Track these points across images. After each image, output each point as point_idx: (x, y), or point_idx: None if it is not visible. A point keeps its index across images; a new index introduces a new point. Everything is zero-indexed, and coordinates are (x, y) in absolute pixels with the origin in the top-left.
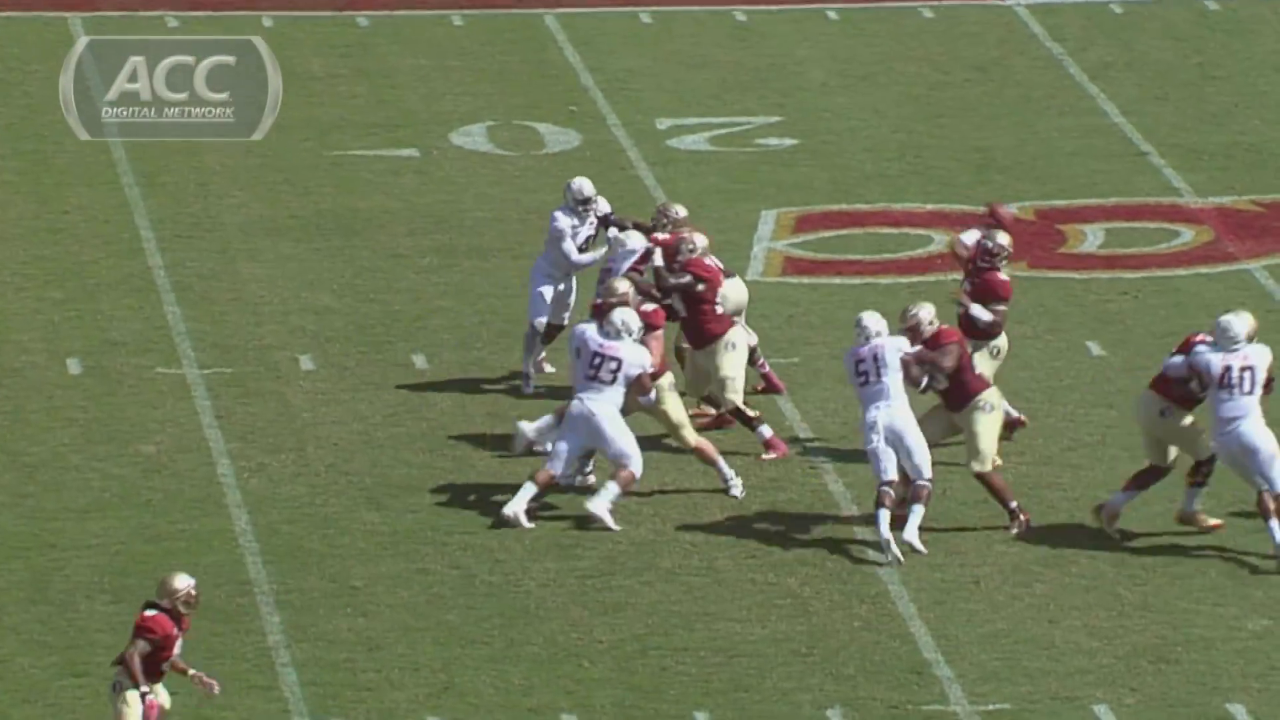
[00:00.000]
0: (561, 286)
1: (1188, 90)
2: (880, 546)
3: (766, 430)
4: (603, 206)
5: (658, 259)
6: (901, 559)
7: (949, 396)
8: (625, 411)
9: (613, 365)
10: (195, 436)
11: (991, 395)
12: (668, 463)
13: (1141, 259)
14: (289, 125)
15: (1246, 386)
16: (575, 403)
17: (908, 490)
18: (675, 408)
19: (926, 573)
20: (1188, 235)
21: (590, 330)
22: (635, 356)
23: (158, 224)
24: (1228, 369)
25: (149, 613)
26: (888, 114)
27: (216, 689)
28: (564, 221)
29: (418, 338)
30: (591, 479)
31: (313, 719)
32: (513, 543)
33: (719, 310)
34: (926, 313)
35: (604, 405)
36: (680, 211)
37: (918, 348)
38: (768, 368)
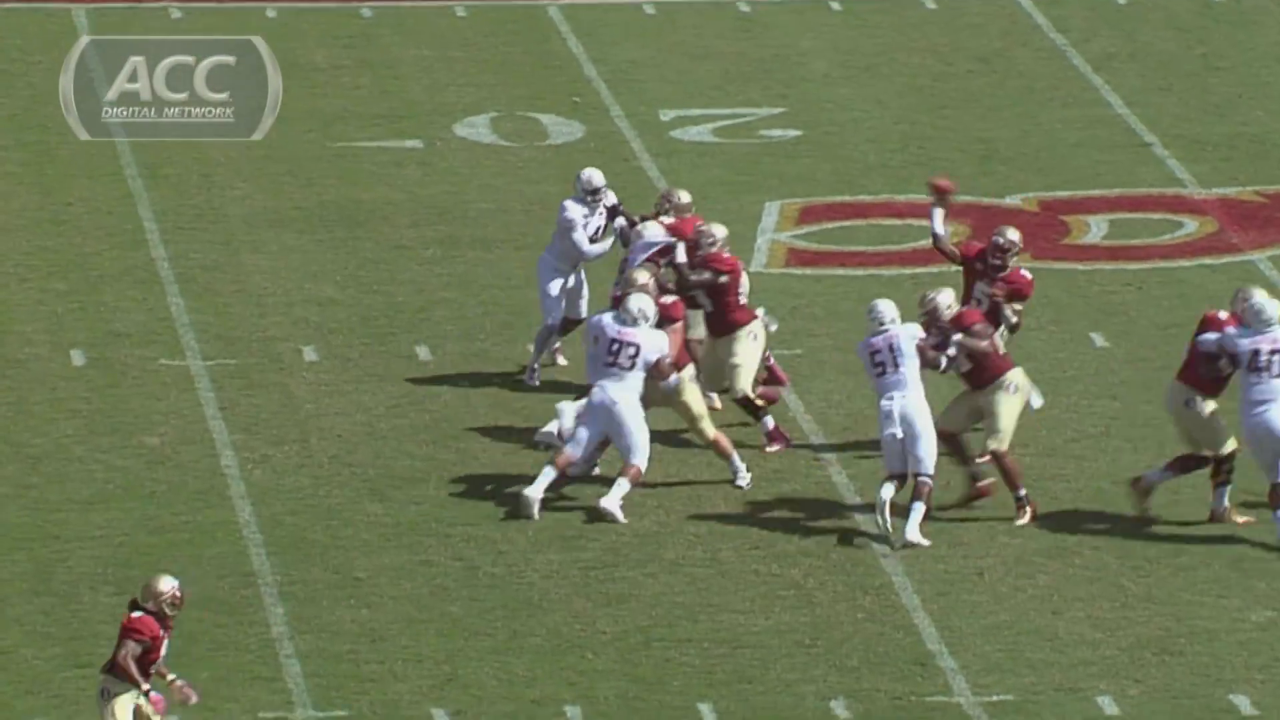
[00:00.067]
0: (571, 280)
1: (1191, 81)
2: (876, 510)
3: (770, 421)
4: (610, 198)
5: (680, 255)
6: (890, 530)
7: (973, 377)
8: (646, 404)
9: (631, 351)
10: (199, 428)
11: (1016, 375)
12: (671, 455)
13: (1145, 250)
14: (292, 117)
15: (1276, 369)
16: (596, 390)
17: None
18: (695, 400)
19: (930, 564)
20: (1191, 226)
21: (607, 318)
22: (653, 342)
23: (161, 216)
24: (1257, 351)
25: (135, 615)
26: (891, 105)
27: (194, 699)
28: (574, 211)
29: (421, 329)
30: (596, 470)
31: (316, 710)
32: (516, 534)
33: (743, 300)
34: (945, 297)
35: (625, 393)
36: (684, 197)
37: (958, 336)
38: (772, 359)
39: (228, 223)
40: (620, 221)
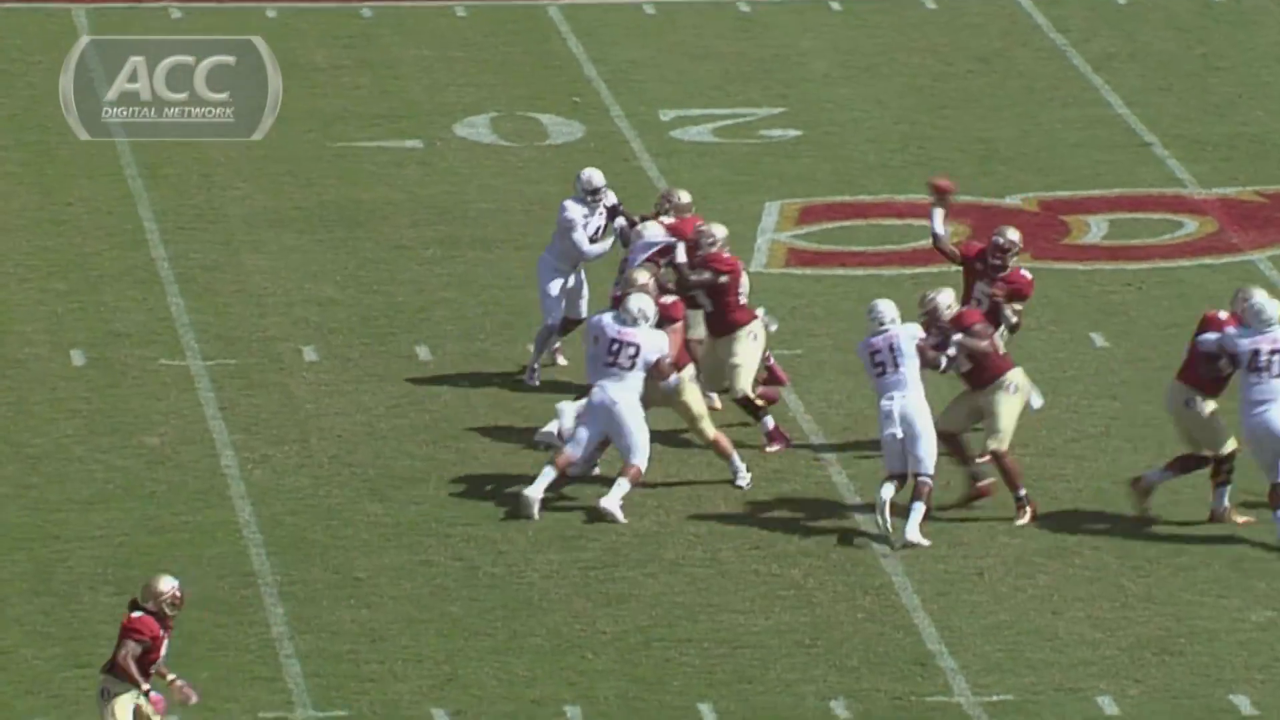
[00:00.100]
0: (571, 280)
1: (1191, 81)
2: (876, 510)
3: (770, 421)
4: (610, 198)
5: (680, 255)
6: (890, 530)
7: (973, 377)
8: (646, 404)
9: (630, 351)
10: (199, 428)
11: (1016, 375)
12: (671, 455)
13: (1145, 250)
14: (292, 117)
15: (1276, 369)
16: (596, 390)
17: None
18: (695, 400)
19: (930, 564)
20: (1191, 226)
21: (607, 318)
22: (653, 341)
23: (161, 216)
24: (1257, 351)
25: (135, 615)
26: (891, 105)
27: (194, 699)
28: (574, 211)
29: (421, 329)
30: (596, 470)
31: (316, 710)
32: (516, 534)
33: (743, 300)
34: (945, 297)
35: (625, 394)
36: (684, 197)
37: (958, 336)
38: (772, 359)
39: (228, 223)
40: (620, 221)
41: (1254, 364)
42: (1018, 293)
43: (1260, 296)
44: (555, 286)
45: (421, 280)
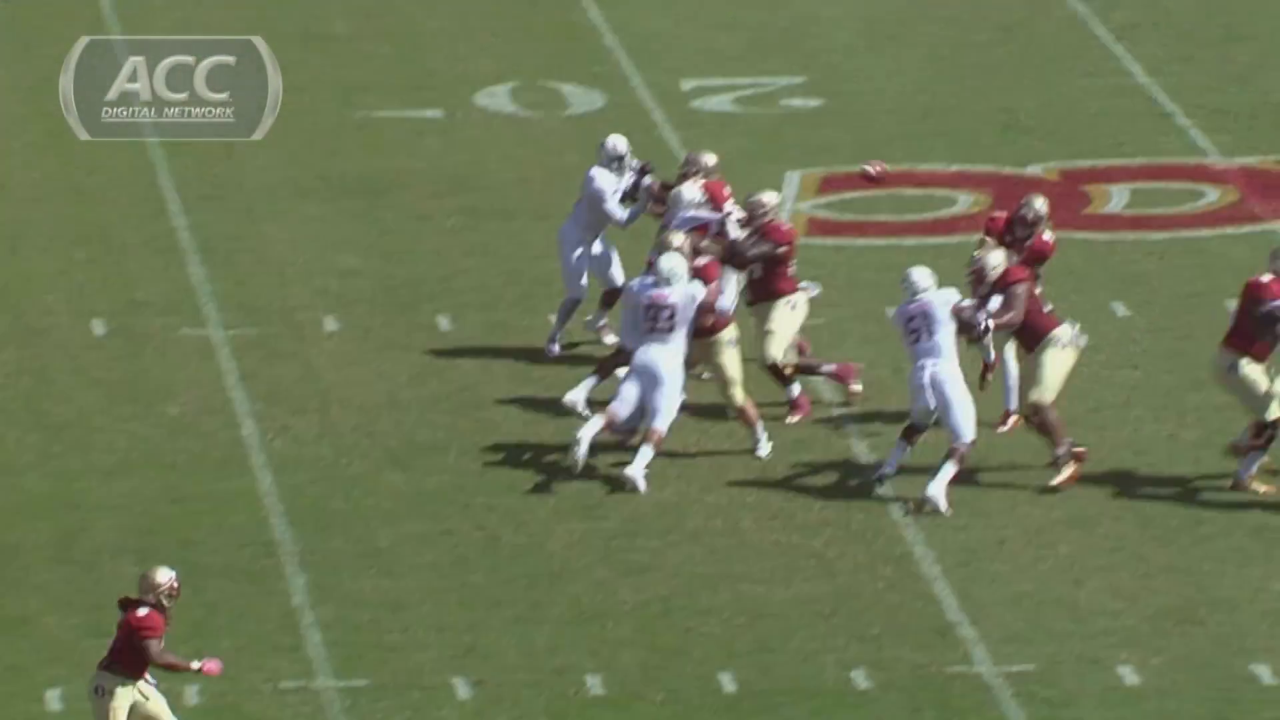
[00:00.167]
0: (597, 248)
1: (1213, 50)
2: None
3: (796, 389)
4: (635, 162)
5: (731, 229)
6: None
7: (1023, 338)
8: (689, 363)
9: (667, 313)
10: (220, 397)
11: (1063, 332)
12: (692, 425)
13: (1167, 219)
14: (313, 86)
15: None
16: (640, 352)
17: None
18: (733, 363)
19: (951, 534)
20: (1213, 196)
21: (641, 282)
22: (687, 295)
23: (182, 185)
24: None
25: (142, 612)
26: (912, 75)
27: (217, 670)
28: (604, 180)
29: (442, 299)
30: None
31: (337, 679)
32: (537, 504)
33: (791, 272)
34: (994, 257)
35: (668, 356)
36: (710, 159)
37: (994, 304)
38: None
39: (249, 192)
40: (649, 179)
41: None
42: (1041, 257)
43: None
44: (577, 257)
45: (442, 250)
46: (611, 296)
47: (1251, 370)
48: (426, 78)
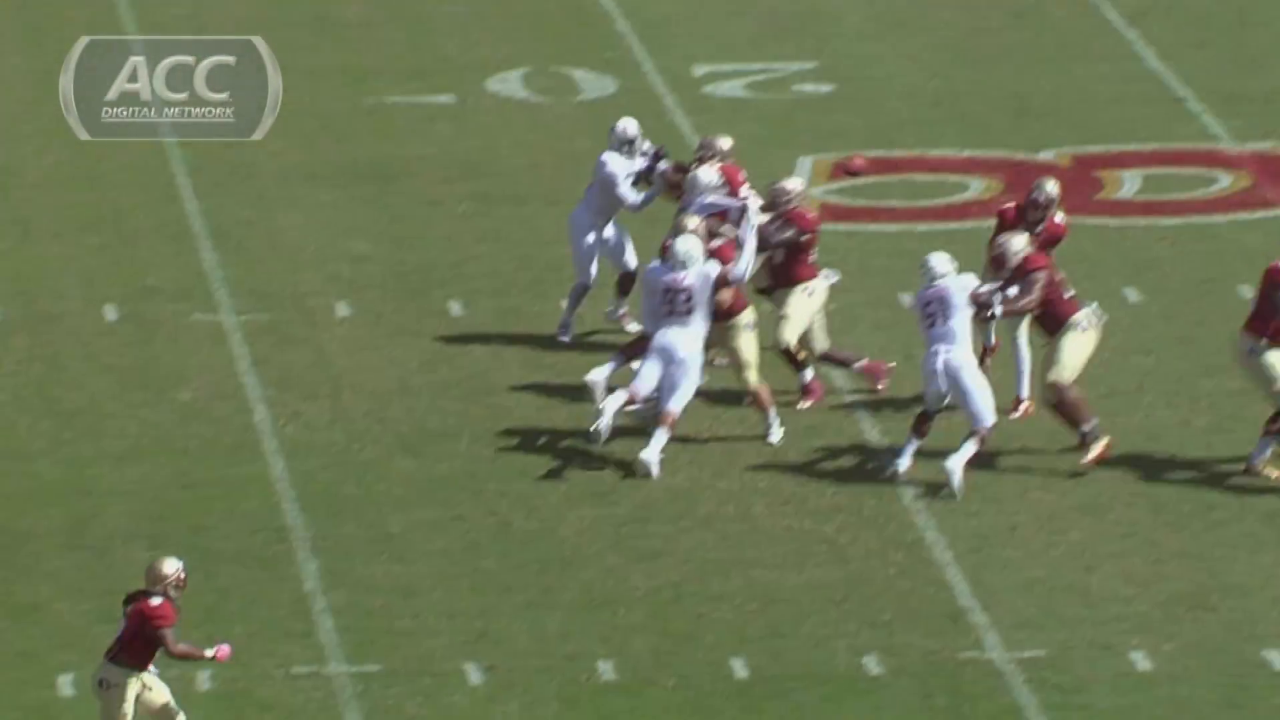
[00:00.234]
0: (609, 233)
1: (1226, 36)
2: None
3: (809, 374)
4: (647, 145)
5: (752, 215)
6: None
7: (1044, 323)
8: (708, 345)
9: (684, 295)
10: (231, 383)
11: (1083, 317)
12: (704, 410)
13: (1179, 205)
14: (325, 72)
15: None
16: (659, 334)
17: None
18: (749, 347)
19: (963, 519)
20: (1225, 181)
21: (657, 266)
22: (703, 275)
23: (194, 171)
24: None
25: (155, 602)
26: (924, 60)
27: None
28: (616, 165)
29: (454, 285)
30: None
31: (349, 665)
32: (548, 490)
33: (812, 259)
34: (1017, 243)
35: (687, 338)
36: (726, 143)
37: (1012, 290)
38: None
39: (260, 178)
40: (663, 164)
41: None
42: (1053, 240)
43: None
44: (588, 242)
45: (454, 236)
46: (627, 282)
47: (1272, 355)
48: (438, 63)
